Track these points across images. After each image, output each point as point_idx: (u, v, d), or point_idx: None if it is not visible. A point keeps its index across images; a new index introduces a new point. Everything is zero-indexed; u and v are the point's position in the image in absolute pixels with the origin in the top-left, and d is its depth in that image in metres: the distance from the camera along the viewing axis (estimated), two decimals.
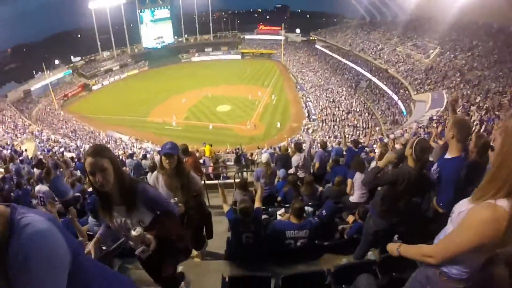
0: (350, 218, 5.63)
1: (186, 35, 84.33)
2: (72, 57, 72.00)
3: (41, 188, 7.44)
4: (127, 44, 77.02)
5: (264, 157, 7.95)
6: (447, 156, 3.71)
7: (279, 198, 7.48)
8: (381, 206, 4.06)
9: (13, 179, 10.74)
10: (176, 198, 3.90)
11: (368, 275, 3.23)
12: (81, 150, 25.82)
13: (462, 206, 1.97)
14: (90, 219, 5.30)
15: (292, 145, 10.94)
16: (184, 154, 7.01)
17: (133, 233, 2.42)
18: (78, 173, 8.88)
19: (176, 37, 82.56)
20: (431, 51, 43.63)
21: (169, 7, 79.24)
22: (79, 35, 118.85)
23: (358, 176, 6.36)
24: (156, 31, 78.33)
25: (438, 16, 46.00)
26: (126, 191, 2.50)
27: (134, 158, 13.92)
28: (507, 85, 27.41)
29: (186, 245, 3.14)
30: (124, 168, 12.34)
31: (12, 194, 9.12)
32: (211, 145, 18.97)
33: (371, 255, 4.52)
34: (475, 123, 19.75)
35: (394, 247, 2.50)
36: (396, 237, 4.53)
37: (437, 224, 2.58)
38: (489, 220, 1.73)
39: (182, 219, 3.77)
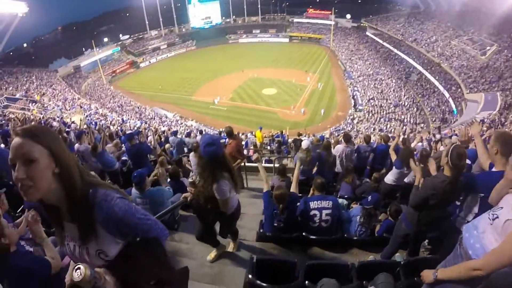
0: (382, 216, 5.68)
1: (234, 16, 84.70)
2: (120, 35, 75.30)
3: (80, 147, 8.24)
4: (175, 23, 78.82)
5: (305, 143, 7.96)
6: (494, 169, 3.57)
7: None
8: (413, 213, 4.07)
9: None
10: (193, 179, 4.15)
11: (388, 274, 3.29)
12: (127, 124, 26.76)
13: (508, 214, 2.03)
14: (134, 191, 5.53)
15: (337, 137, 10.68)
16: (228, 136, 7.60)
17: (74, 275, 1.47)
18: (123, 147, 9.36)
19: (223, 17, 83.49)
20: (488, 47, 41.07)
21: None
22: (127, 14, 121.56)
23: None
24: (204, 11, 79.67)
25: (498, 10, 43.45)
26: (76, 203, 1.64)
27: (178, 135, 14.37)
28: None
29: None
30: (167, 144, 12.74)
31: None
32: (260, 129, 19.52)
33: (398, 256, 4.64)
34: None
35: (429, 273, 2.54)
36: (426, 242, 4.74)
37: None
38: None
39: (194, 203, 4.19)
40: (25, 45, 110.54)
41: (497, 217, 2.09)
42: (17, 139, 1.50)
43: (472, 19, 49.17)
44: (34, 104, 33.03)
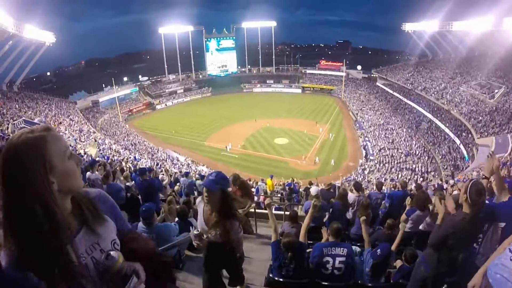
0: (398, 263, 5.45)
1: (249, 66, 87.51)
2: (140, 76, 78.36)
3: (91, 175, 8.48)
4: (192, 69, 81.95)
5: (314, 190, 8.10)
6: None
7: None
8: (433, 254, 3.95)
9: None
10: (199, 231, 3.90)
11: None
12: (139, 162, 26.71)
13: None
14: (140, 225, 5.52)
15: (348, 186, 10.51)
16: (233, 183, 7.38)
17: (112, 254, 1.54)
18: (133, 182, 9.49)
19: (239, 67, 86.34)
20: (496, 90, 41.58)
21: (234, 37, 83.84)
22: (148, 57, 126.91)
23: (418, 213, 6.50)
24: (220, 59, 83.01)
25: (503, 52, 44.10)
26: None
27: (189, 177, 14.32)
28: None
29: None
30: (177, 186, 12.75)
31: None
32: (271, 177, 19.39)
33: None
34: None
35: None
36: (445, 287, 4.34)
37: None
38: None
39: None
40: (48, 73, 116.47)
41: None
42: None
43: (479, 63, 50.19)
44: None
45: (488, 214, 3.55)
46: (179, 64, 79.70)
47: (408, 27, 67.46)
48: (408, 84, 58.36)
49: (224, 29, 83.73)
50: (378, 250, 5.08)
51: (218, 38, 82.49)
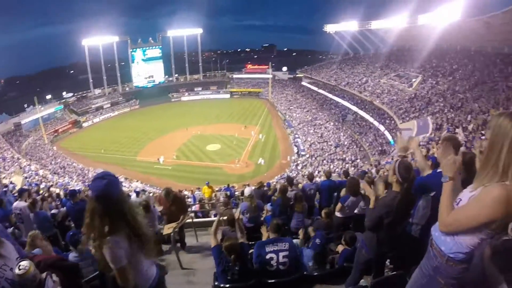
0: (340, 247, 5.57)
1: (176, 75, 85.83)
2: (64, 93, 73.05)
3: (18, 204, 7.72)
4: (119, 82, 78.07)
5: (247, 190, 8.26)
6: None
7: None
8: (372, 236, 4.07)
9: None
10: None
11: None
12: (69, 187, 25.25)
13: (467, 194, 2.17)
14: (72, 255, 4.97)
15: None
16: (166, 197, 7.77)
17: (17, 272, 1.63)
18: (64, 209, 8.95)
19: (166, 76, 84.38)
20: (414, 79, 45.09)
21: (160, 47, 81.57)
22: (72, 71, 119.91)
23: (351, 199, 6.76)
24: (147, 70, 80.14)
25: (418, 45, 48.28)
26: None
27: None
28: (489, 104, 28.02)
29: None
30: None
31: None
32: (209, 186, 18.95)
33: (363, 281, 4.49)
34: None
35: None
36: (388, 261, 4.67)
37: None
38: (503, 198, 1.90)
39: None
40: None
41: (460, 200, 2.21)
42: None
43: (397, 57, 55.29)
44: None
45: (421, 188, 3.88)
46: (104, 77, 75.84)
47: (329, 28, 70.21)
48: (332, 81, 61.05)
49: (150, 38, 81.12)
50: (317, 240, 5.53)
51: (144, 48, 79.83)
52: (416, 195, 3.97)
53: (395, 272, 4.22)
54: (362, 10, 65.38)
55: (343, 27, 66.89)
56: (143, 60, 79.50)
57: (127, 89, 79.26)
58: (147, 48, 79.89)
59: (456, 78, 38.88)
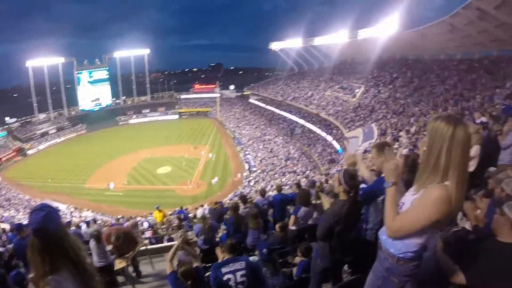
0: (297, 259, 5.60)
1: (124, 97, 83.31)
2: (7, 118, 68.41)
3: None
4: (64, 105, 74.25)
5: (199, 212, 8.67)
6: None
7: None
8: (324, 245, 4.14)
9: None
10: None
11: None
12: (15, 220, 24.10)
13: (409, 197, 2.24)
14: None
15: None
16: (116, 242, 7.17)
17: None
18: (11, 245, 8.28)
19: (114, 98, 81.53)
20: (357, 90, 46.84)
21: (107, 68, 78.78)
22: (15, 94, 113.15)
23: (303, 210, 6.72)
24: (93, 92, 76.75)
25: (359, 58, 49.93)
26: None
27: (72, 227, 12.67)
28: (428, 107, 29.49)
29: None
30: None
31: None
32: (160, 210, 18.43)
33: None
34: (404, 147, 21.02)
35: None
36: (346, 266, 4.81)
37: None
38: (444, 198, 1.99)
39: None
40: None
41: (403, 203, 2.29)
42: None
43: (340, 70, 57.61)
44: None
45: (368, 197, 4.02)
46: (49, 101, 71.28)
47: (274, 45, 72.12)
48: (279, 96, 62.26)
49: (97, 59, 77.74)
50: (263, 250, 5.75)
51: (90, 70, 76.24)
52: (364, 204, 4.13)
53: (354, 276, 4.31)
54: (306, 28, 67.93)
55: (288, 44, 68.79)
56: (89, 82, 76.01)
57: (73, 113, 75.45)
58: (94, 70, 76.59)
59: (397, 85, 40.91)
